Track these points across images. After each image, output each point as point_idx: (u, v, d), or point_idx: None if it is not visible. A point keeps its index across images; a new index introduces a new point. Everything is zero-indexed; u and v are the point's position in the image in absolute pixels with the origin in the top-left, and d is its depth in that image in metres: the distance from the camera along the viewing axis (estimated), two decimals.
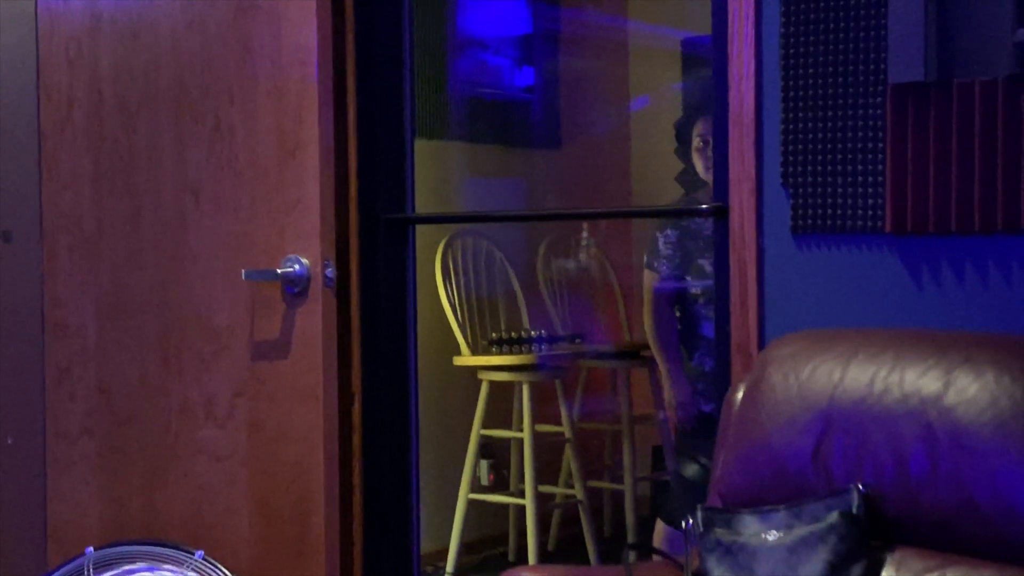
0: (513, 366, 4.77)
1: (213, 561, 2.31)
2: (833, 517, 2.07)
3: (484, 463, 5.09)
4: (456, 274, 4.97)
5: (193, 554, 2.30)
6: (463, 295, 4.97)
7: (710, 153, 3.73)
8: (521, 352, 4.87)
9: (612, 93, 6.00)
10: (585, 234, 5.58)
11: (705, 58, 5.58)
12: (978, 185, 2.29)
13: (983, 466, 2.00)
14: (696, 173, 3.82)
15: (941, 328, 2.33)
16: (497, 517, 5.16)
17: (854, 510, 2.07)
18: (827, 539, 2.06)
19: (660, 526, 3.90)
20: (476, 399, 4.82)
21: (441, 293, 4.85)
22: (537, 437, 4.76)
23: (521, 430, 4.81)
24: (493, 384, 4.82)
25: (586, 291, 5.52)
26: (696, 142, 3.81)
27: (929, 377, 2.09)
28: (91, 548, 2.35)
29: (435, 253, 4.88)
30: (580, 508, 4.90)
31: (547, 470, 5.07)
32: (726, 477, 2.30)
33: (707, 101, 3.94)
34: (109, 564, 2.32)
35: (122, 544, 2.39)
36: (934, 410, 2.06)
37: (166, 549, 2.30)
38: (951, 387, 2.06)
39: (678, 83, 5.88)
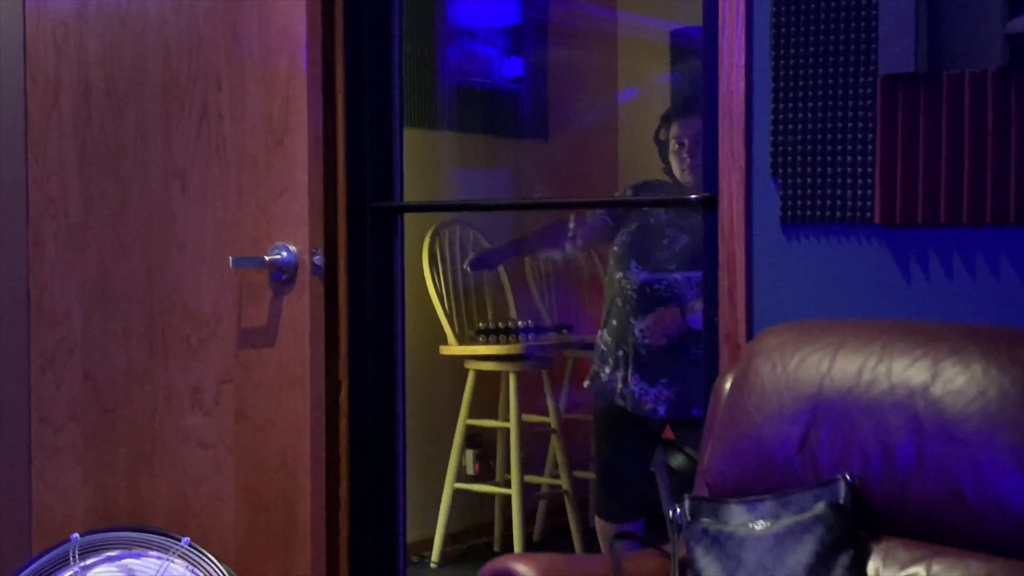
0: (500, 356, 4.77)
1: (199, 547, 2.30)
2: (820, 507, 2.08)
3: (470, 453, 5.09)
4: (443, 263, 4.96)
5: (179, 540, 2.30)
6: (450, 284, 4.97)
7: (685, 155, 3.75)
8: (508, 342, 4.87)
9: (600, 84, 6.00)
10: (572, 225, 5.57)
11: (694, 50, 5.58)
12: (967, 177, 2.29)
13: (970, 457, 2.00)
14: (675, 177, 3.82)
15: (929, 320, 2.33)
16: (482, 507, 5.16)
17: (841, 500, 2.08)
18: (814, 529, 2.06)
19: (600, 525, 3.91)
20: (462, 389, 4.82)
21: (428, 282, 4.85)
22: (523, 427, 4.76)
23: (507, 420, 4.81)
24: (479, 374, 4.82)
25: (573, 282, 5.52)
26: (672, 144, 3.80)
27: (916, 368, 2.10)
28: (77, 534, 2.34)
29: (422, 242, 4.88)
30: (566, 498, 4.91)
31: (533, 460, 5.07)
32: (713, 467, 2.30)
33: (681, 104, 3.96)
34: (95, 550, 2.31)
35: (108, 530, 2.38)
36: (921, 401, 2.07)
37: (152, 535, 2.29)
38: (938, 378, 2.07)
39: (666, 75, 5.87)
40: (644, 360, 3.69)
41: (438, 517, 4.82)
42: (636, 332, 3.71)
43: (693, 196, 3.04)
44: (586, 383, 3.87)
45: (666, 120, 3.86)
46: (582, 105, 5.89)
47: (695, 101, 4.23)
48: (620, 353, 3.74)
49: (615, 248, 3.82)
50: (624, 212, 3.85)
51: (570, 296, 5.48)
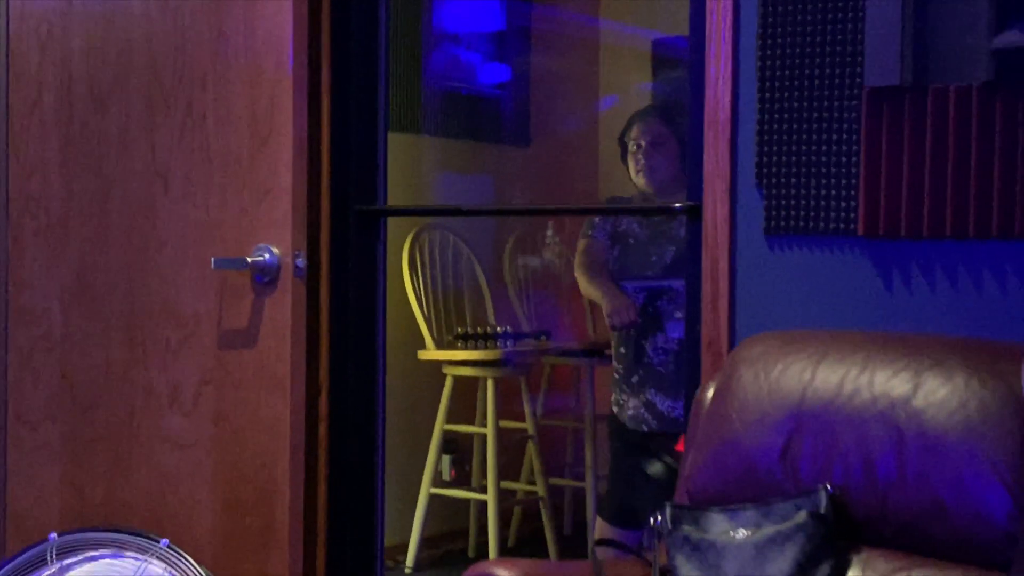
0: (478, 361, 4.77)
1: (178, 549, 2.29)
2: (801, 517, 2.08)
3: (446, 458, 5.08)
4: (423, 268, 4.96)
5: (158, 542, 2.28)
6: (429, 289, 4.97)
7: (641, 156, 3.76)
8: (486, 348, 4.87)
9: (582, 91, 6.01)
10: (550, 232, 5.58)
11: (675, 59, 5.60)
12: (950, 190, 2.31)
13: (951, 469, 2.01)
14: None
15: (911, 331, 2.35)
16: (458, 512, 5.15)
17: (822, 510, 2.09)
18: (795, 538, 2.07)
19: (600, 524, 3.92)
20: (440, 393, 4.82)
21: (407, 286, 4.84)
22: (500, 433, 4.76)
23: (484, 426, 4.81)
24: (457, 379, 4.82)
25: (551, 288, 5.53)
26: (631, 146, 3.81)
27: (898, 379, 2.11)
28: (55, 534, 2.32)
29: (402, 246, 4.87)
30: (541, 505, 4.91)
31: (509, 466, 5.07)
32: (695, 475, 2.30)
33: (645, 106, 3.96)
34: (72, 550, 2.29)
35: (86, 531, 2.36)
36: (903, 412, 2.08)
37: (131, 536, 2.28)
38: (920, 390, 2.08)
39: (647, 83, 5.89)
40: (663, 377, 3.69)
41: (413, 522, 4.81)
42: (650, 352, 3.71)
43: (677, 204, 3.05)
44: (614, 408, 3.84)
45: (631, 123, 3.87)
46: (563, 112, 5.90)
47: (658, 106, 4.23)
48: (635, 379, 3.73)
49: None
50: (613, 235, 3.84)
51: (549, 303, 5.48)
